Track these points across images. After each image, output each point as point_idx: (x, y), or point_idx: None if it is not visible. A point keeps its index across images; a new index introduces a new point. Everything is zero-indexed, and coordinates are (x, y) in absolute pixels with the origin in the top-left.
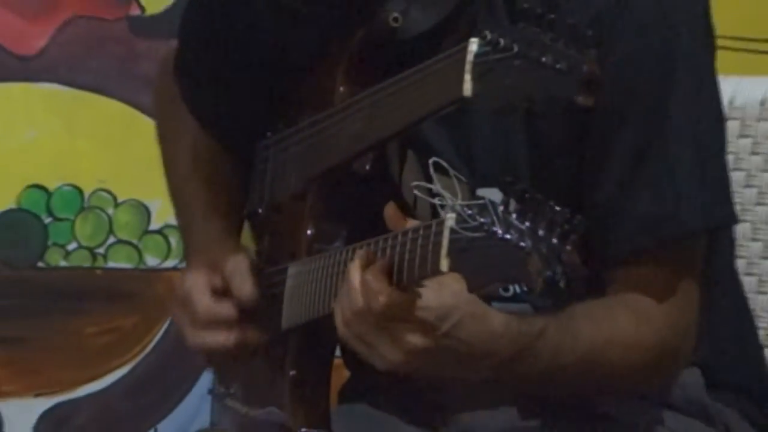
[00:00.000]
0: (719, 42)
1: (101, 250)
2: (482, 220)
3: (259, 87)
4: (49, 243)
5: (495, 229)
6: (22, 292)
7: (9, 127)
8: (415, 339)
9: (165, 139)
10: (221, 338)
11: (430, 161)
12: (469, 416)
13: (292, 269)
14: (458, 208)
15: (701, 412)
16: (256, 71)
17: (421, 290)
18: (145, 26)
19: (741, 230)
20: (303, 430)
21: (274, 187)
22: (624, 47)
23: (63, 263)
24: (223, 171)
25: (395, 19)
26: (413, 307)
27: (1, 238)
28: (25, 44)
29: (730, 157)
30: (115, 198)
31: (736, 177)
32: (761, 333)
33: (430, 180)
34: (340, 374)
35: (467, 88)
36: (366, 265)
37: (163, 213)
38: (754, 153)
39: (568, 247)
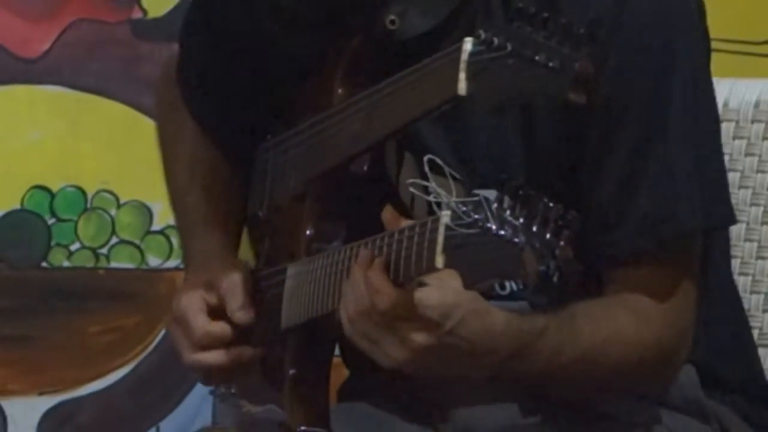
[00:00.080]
0: (714, 44)
1: (104, 251)
2: (477, 216)
3: (260, 90)
4: (53, 243)
5: (489, 225)
6: (25, 291)
7: (13, 129)
8: (419, 337)
9: (165, 143)
10: (216, 357)
11: (425, 158)
12: (468, 414)
13: (292, 269)
14: (453, 205)
15: (697, 410)
16: (256, 74)
17: (424, 288)
18: (148, 29)
19: (735, 230)
20: (302, 428)
21: (274, 189)
22: (623, 48)
23: (66, 263)
24: (221, 178)
25: (392, 22)
26: (417, 305)
27: (5, 239)
28: (29, 47)
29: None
30: (117, 199)
31: (730, 178)
32: (755, 332)
33: (426, 180)
34: (340, 373)
35: (462, 87)
36: (368, 264)
37: (165, 214)
38: (748, 154)
39: (562, 243)
